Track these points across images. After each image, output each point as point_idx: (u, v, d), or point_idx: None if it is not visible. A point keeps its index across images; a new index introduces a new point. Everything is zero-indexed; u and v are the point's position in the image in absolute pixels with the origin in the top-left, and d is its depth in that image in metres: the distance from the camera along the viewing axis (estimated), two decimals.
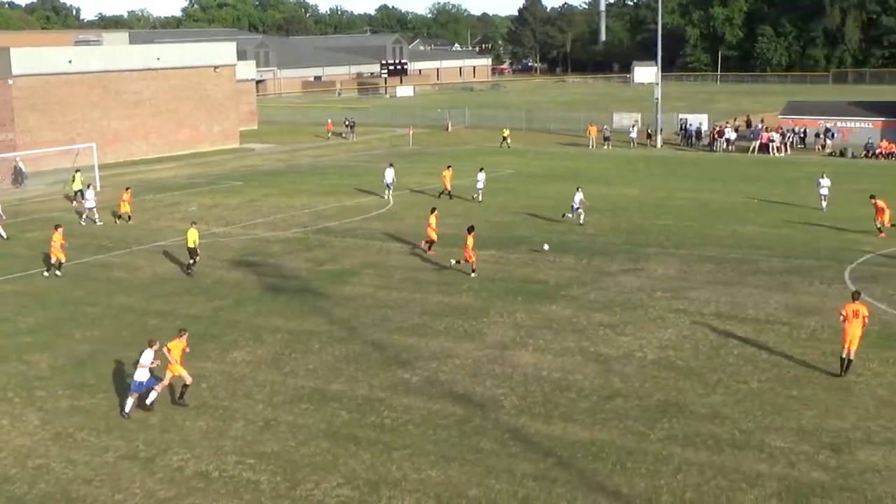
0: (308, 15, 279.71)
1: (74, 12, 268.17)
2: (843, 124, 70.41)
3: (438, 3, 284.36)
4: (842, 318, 22.28)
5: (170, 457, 18.49)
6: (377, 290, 30.59)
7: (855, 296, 22.90)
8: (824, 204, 43.43)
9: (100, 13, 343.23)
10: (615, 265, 33.32)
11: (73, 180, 49.05)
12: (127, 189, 44.31)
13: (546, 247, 35.25)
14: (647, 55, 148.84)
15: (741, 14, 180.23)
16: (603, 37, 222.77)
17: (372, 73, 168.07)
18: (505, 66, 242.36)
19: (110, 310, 28.91)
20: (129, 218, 42.92)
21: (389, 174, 48.91)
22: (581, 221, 40.30)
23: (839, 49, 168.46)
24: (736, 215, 42.94)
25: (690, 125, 75.15)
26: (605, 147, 72.79)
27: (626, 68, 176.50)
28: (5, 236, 39.81)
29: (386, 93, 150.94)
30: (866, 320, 22.17)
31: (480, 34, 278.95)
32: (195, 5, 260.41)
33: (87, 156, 56.28)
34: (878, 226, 37.49)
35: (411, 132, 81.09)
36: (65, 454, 18.71)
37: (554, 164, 63.71)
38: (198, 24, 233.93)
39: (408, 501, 16.57)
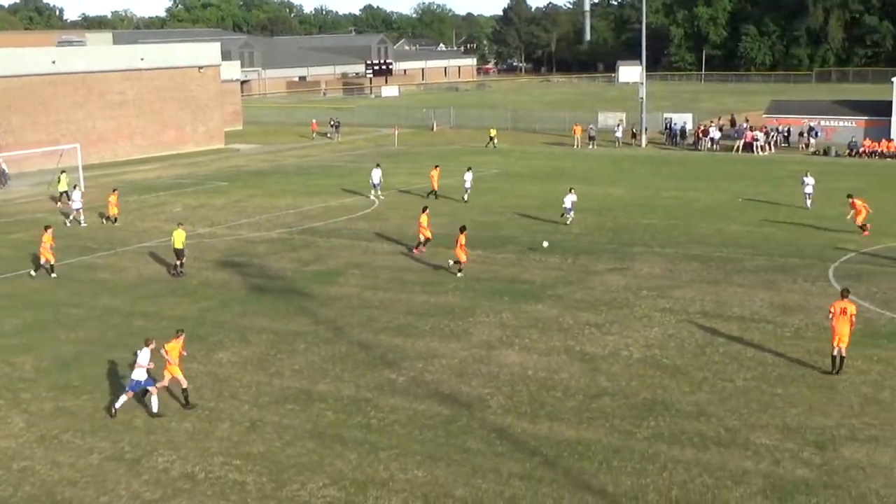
0: (293, 15, 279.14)
1: (57, 13, 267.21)
2: (827, 123, 70.75)
3: (423, 3, 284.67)
4: (830, 315, 22.42)
5: (155, 458, 18.43)
6: (363, 290, 30.57)
7: (843, 293, 23.01)
8: (809, 202, 43.63)
9: (83, 13, 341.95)
10: (601, 264, 33.41)
11: (59, 181, 48.83)
12: (114, 191, 44.14)
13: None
14: (632, 55, 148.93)
15: (725, 14, 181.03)
16: (588, 36, 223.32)
17: (357, 74, 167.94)
18: (490, 65, 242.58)
19: (95, 311, 28.79)
20: (116, 220, 42.78)
21: (376, 174, 48.85)
22: (568, 222, 40.39)
23: (822, 48, 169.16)
24: (721, 214, 43.10)
25: (675, 124, 75.31)
26: (591, 146, 72.94)
27: (611, 68, 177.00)
28: None
29: (371, 93, 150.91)
30: (854, 318, 22.28)
31: (465, 34, 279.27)
32: (179, 5, 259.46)
33: (71, 157, 55.98)
34: (860, 224, 37.70)
35: (396, 132, 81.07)
36: (50, 456, 18.62)
37: (539, 163, 63.80)
38: (182, 24, 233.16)
39: (395, 501, 16.56)
